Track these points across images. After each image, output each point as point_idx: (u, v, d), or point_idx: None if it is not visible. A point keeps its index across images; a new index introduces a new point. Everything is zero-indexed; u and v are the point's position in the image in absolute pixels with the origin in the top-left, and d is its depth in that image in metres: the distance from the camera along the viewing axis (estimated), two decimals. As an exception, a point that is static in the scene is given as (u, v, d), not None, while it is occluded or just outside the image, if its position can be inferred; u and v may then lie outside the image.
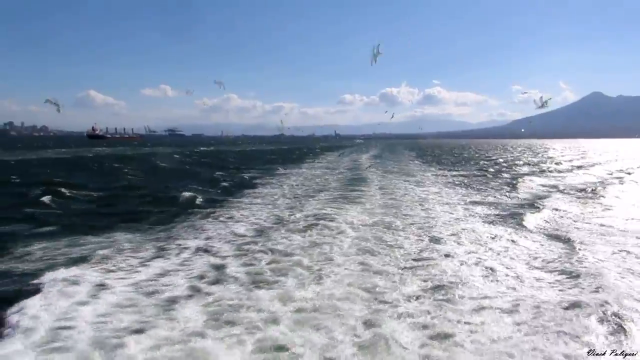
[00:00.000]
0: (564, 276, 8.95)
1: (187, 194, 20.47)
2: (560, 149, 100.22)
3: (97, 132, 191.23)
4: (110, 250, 10.84)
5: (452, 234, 12.71)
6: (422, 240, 12.01)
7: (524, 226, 13.90)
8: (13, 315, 6.83)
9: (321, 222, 14.11)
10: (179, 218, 15.22)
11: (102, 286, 8.22)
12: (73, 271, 8.90)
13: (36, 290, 7.87)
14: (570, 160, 55.34)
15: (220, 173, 34.65)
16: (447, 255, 10.46)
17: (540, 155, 71.82)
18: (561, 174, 34.89)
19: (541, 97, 22.60)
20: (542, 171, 38.12)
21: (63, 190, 21.45)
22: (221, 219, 15.10)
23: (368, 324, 6.75)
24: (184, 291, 8.05)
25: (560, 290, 8.20)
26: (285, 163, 47.96)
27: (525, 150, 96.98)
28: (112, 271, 9.22)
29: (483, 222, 14.74)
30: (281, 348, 6.05)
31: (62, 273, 8.72)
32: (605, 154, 75.38)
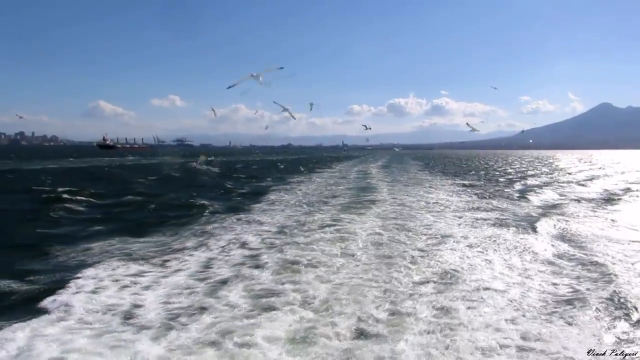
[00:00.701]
0: (574, 280, 9.49)
1: (209, 201, 22.01)
2: (568, 160, 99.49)
3: (107, 142, 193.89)
4: (158, 246, 12.28)
5: (461, 237, 13.41)
6: (431, 239, 13.17)
7: (532, 233, 14.26)
8: (71, 300, 7.92)
9: (338, 222, 15.54)
10: (206, 221, 16.60)
11: (162, 272, 9.74)
12: (131, 266, 10.28)
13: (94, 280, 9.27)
14: (580, 171, 55.03)
15: (242, 180, 36.85)
16: (452, 250, 11.75)
17: (549, 165, 71.68)
18: (570, 185, 34.89)
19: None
20: (551, 182, 37.85)
21: (98, 194, 22.93)
22: (246, 220, 16.55)
23: (389, 302, 8.04)
24: (227, 276, 9.44)
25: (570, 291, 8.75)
26: (298, 172, 49.56)
27: (533, 160, 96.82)
28: (167, 261, 10.69)
29: (492, 227, 15.16)
30: (316, 321, 7.21)
31: (123, 266, 10.16)
32: (615, 165, 74.55)
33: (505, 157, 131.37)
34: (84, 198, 22.68)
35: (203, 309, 7.68)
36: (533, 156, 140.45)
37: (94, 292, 8.40)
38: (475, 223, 16.09)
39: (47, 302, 7.82)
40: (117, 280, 9.09)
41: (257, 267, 10.10)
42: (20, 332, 6.59)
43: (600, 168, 63.55)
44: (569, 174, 49.97)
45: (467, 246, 12.30)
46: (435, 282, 9.12)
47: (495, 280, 9.33)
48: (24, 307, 7.79)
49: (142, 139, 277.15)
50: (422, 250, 11.78)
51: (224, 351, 6.25)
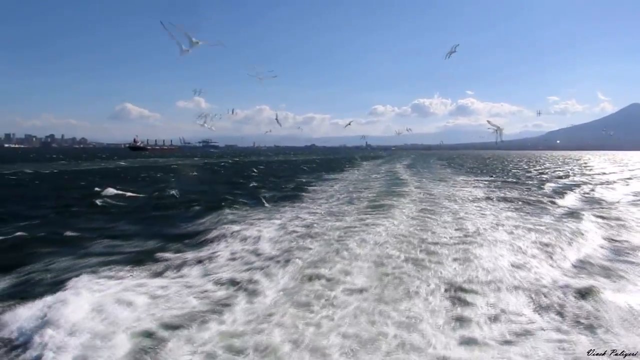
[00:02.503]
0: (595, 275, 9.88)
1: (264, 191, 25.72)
2: (598, 161, 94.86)
3: (138, 143, 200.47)
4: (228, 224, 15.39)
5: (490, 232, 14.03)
6: (460, 230, 14.38)
7: (562, 233, 14.00)
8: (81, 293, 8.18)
9: (374, 209, 18.71)
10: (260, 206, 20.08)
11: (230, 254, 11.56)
12: (182, 254, 11.60)
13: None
14: (612, 173, 53.09)
15: (284, 178, 40.91)
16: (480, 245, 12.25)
17: (579, 167, 69.00)
18: (600, 186, 33.15)
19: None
20: (581, 183, 35.80)
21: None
22: (291, 207, 19.93)
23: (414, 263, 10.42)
24: (293, 247, 11.95)
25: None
26: (328, 170, 52.61)
27: (564, 162, 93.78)
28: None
29: (519, 226, 15.16)
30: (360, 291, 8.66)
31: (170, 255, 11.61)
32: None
33: (530, 158, 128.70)
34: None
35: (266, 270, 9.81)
36: (563, 157, 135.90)
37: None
38: (502, 220, 16.47)
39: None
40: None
41: (312, 238, 12.97)
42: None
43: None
44: (598, 175, 48.55)
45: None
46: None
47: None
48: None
49: (172, 141, 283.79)
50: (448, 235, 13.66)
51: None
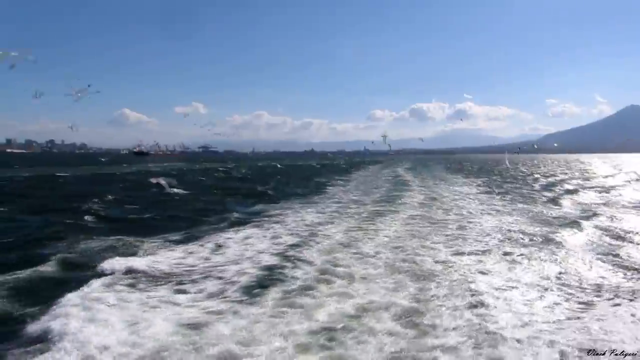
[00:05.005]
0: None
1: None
2: (596, 164, 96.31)
3: (141, 149, 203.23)
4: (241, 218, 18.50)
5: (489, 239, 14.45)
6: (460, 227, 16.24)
7: (561, 234, 14.65)
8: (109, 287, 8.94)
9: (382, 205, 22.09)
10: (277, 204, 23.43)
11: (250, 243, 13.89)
12: (229, 233, 15.33)
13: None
14: (610, 175, 53.22)
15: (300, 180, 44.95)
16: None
17: (574, 169, 70.23)
18: (600, 189, 33.82)
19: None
20: (580, 187, 35.59)
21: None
22: (306, 205, 23.24)
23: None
24: (309, 239, 14.27)
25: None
26: (332, 174, 56.05)
27: (559, 164, 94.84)
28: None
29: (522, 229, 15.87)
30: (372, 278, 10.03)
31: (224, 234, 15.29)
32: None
33: (534, 160, 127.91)
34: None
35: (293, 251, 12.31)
36: (560, 160, 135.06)
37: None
38: (505, 224, 17.18)
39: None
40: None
41: (325, 236, 15.08)
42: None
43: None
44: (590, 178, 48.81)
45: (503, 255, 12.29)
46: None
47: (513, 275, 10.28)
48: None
49: (175, 146, 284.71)
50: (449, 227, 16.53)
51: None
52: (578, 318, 7.65)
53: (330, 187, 35.02)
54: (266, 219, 18.63)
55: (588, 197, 28.35)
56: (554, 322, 7.46)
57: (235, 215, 19.81)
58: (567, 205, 23.55)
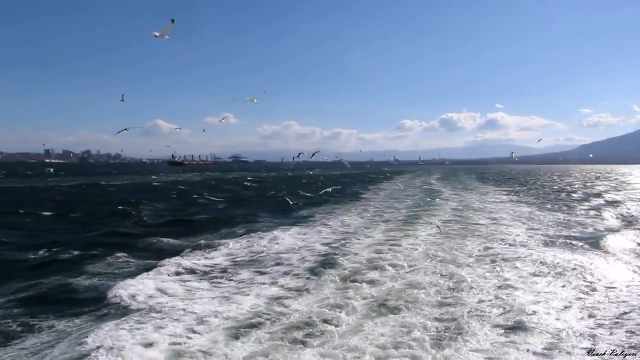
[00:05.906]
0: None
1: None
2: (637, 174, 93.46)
3: (176, 159, 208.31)
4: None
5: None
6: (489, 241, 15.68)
7: (600, 249, 14.27)
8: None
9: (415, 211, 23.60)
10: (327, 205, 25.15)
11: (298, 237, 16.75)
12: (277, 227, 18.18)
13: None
14: None
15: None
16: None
17: (615, 182, 65.82)
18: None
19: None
20: (618, 201, 32.46)
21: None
22: (347, 209, 25.31)
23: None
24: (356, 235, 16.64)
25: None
26: (365, 183, 57.51)
27: (598, 175, 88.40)
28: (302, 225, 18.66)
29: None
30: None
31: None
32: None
33: (569, 172, 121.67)
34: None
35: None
36: (597, 172, 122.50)
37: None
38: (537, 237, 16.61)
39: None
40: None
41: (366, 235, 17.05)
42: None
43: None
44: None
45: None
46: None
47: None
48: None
49: (207, 156, 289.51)
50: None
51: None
52: (615, 324, 7.95)
53: (365, 195, 36.97)
54: (312, 220, 21.40)
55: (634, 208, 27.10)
56: (591, 328, 7.77)
57: (284, 217, 22.67)
58: (607, 217, 23.23)
